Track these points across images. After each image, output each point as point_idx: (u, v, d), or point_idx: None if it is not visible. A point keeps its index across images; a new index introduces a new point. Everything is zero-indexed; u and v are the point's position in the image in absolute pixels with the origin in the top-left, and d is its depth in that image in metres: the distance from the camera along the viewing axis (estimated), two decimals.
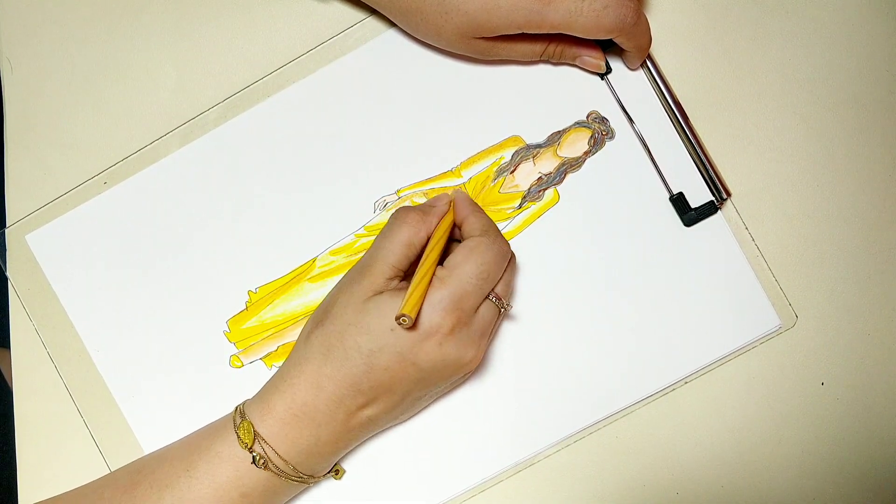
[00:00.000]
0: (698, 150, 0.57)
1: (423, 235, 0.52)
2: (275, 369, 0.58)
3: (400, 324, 0.47)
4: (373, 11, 0.59)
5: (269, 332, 0.59)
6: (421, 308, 0.49)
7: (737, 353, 0.58)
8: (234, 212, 0.59)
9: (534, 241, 0.58)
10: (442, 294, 0.49)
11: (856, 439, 0.58)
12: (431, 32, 0.54)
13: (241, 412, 0.53)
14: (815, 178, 0.58)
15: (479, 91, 0.59)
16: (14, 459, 0.59)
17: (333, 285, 0.58)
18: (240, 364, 0.59)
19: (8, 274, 0.60)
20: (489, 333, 0.53)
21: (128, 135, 0.60)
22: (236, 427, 0.52)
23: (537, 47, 0.56)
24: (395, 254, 0.51)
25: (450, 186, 0.59)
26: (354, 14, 0.60)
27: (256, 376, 0.58)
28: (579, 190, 0.58)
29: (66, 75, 0.60)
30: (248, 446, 0.51)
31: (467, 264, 0.50)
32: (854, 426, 0.58)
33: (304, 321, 0.58)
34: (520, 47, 0.56)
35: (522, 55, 0.57)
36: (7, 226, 0.60)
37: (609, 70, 0.57)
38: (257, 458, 0.51)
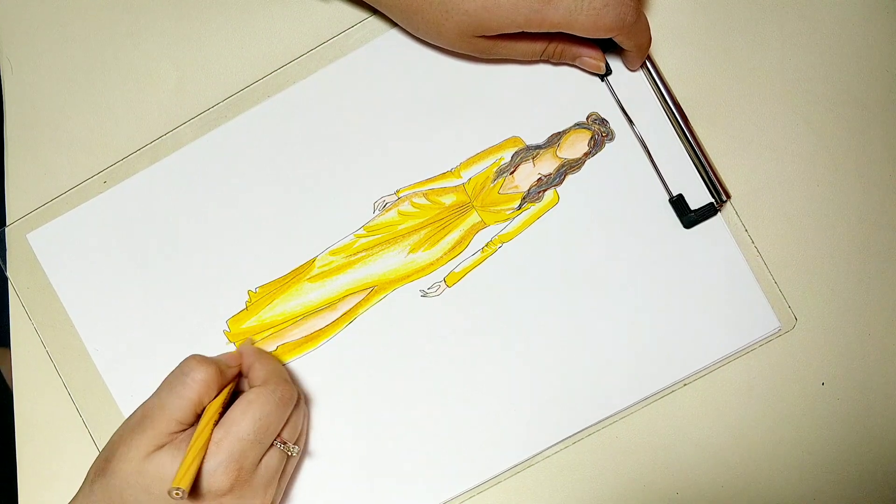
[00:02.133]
0: (698, 152, 0.57)
1: (213, 394, 0.51)
2: None
3: (175, 497, 0.46)
4: (374, 11, 0.58)
5: (269, 332, 0.59)
6: (199, 474, 0.48)
7: (737, 355, 0.58)
8: (234, 211, 0.59)
9: (533, 242, 0.58)
10: (219, 458, 0.49)
11: (856, 439, 0.58)
12: (432, 31, 0.54)
13: None
14: (814, 179, 0.58)
15: (479, 92, 0.59)
16: (14, 459, 0.59)
17: (332, 283, 0.59)
18: None
19: (8, 273, 0.60)
20: (277, 479, 0.52)
21: (128, 134, 0.60)
22: None
23: (537, 47, 0.56)
24: (182, 410, 0.50)
25: (449, 187, 0.59)
26: (355, 14, 0.60)
27: None
28: (579, 191, 0.58)
29: (66, 75, 0.60)
30: None
31: (244, 420, 0.50)
32: (854, 426, 0.58)
33: (304, 321, 0.59)
34: (520, 47, 0.56)
35: (523, 55, 0.56)
36: (7, 224, 0.60)
37: (609, 71, 0.57)
38: None
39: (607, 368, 0.58)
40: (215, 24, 0.60)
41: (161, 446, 0.50)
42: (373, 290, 0.59)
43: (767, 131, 0.58)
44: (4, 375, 0.85)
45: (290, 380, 0.54)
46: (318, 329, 0.59)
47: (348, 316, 0.59)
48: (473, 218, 0.59)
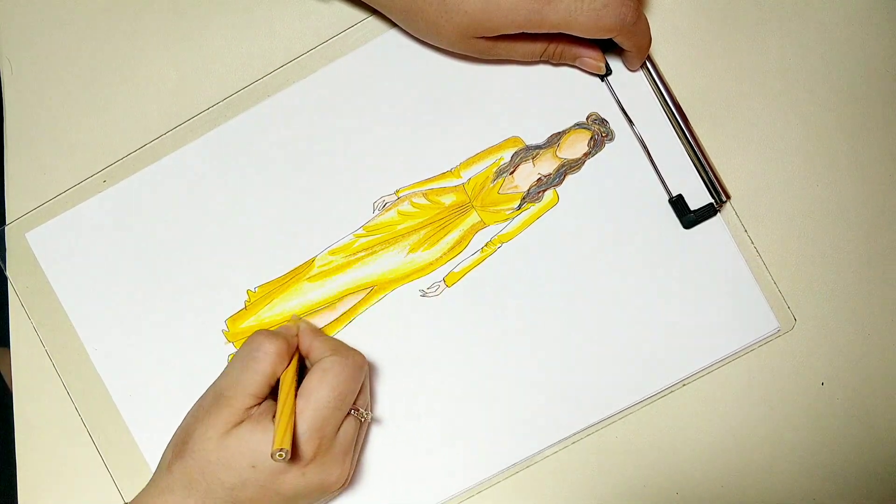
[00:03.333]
0: (698, 153, 0.57)
1: (284, 366, 0.52)
2: None
3: (278, 459, 0.46)
4: (373, 11, 0.58)
5: None
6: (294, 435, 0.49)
7: (736, 355, 0.58)
8: (233, 211, 0.59)
9: (533, 242, 0.58)
10: (301, 428, 0.49)
11: (856, 439, 0.58)
12: (432, 32, 0.54)
13: None
14: (814, 180, 0.58)
15: (479, 92, 0.59)
16: (14, 459, 0.59)
17: (331, 283, 0.58)
18: None
19: (7, 272, 0.60)
20: (353, 448, 0.53)
21: (127, 134, 0.60)
22: None
23: (537, 47, 0.56)
24: (257, 384, 0.51)
25: (449, 186, 0.59)
26: (355, 14, 0.60)
27: None
28: (579, 191, 0.58)
29: (66, 75, 0.60)
30: None
31: (322, 389, 0.50)
32: (854, 426, 0.58)
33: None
34: (520, 47, 0.56)
35: (523, 55, 0.56)
36: (7, 223, 0.60)
37: (609, 71, 0.57)
38: None
39: (607, 368, 0.58)
40: (215, 24, 0.60)
41: (239, 422, 0.50)
42: (372, 290, 0.59)
43: (767, 131, 0.58)
44: (4, 375, 0.85)
45: None
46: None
47: (348, 316, 0.59)
48: (473, 218, 0.59)
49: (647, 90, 0.58)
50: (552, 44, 0.56)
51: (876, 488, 0.58)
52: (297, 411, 0.50)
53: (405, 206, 0.59)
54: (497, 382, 0.58)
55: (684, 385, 0.58)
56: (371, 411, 0.55)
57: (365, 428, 0.56)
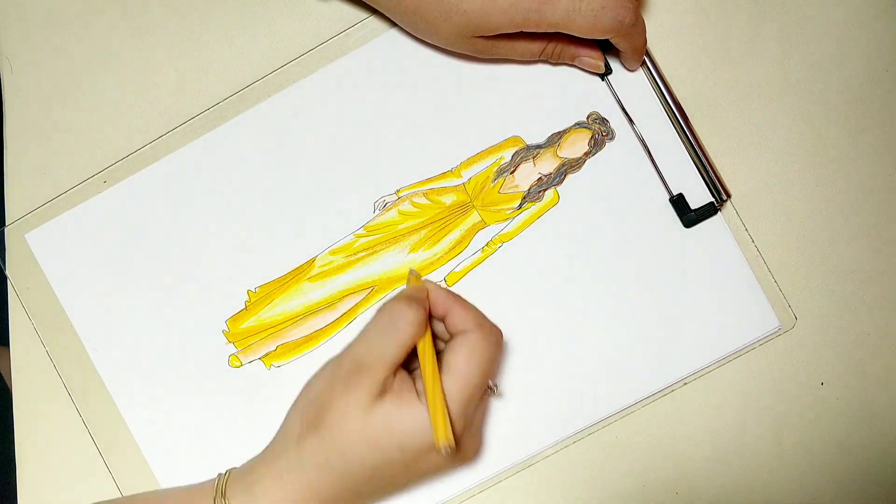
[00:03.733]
0: (698, 152, 0.57)
1: (423, 333, 0.49)
2: (274, 369, 0.58)
3: (445, 453, 0.45)
4: (373, 11, 0.58)
5: (268, 332, 0.59)
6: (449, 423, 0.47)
7: (736, 354, 0.58)
8: (234, 211, 0.59)
9: (533, 241, 0.58)
10: (451, 410, 0.48)
11: (856, 439, 0.58)
12: (431, 31, 0.55)
13: (223, 494, 0.50)
14: (814, 179, 0.58)
15: (479, 91, 0.59)
16: (14, 459, 0.59)
17: (332, 283, 0.58)
18: (239, 364, 0.59)
19: (7, 272, 0.60)
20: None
21: (128, 134, 0.60)
22: None
23: (536, 46, 0.56)
24: (398, 355, 0.48)
25: (450, 186, 0.59)
26: (355, 14, 0.60)
27: (255, 376, 0.58)
28: (579, 191, 0.58)
29: (66, 75, 0.60)
30: None
31: (471, 368, 0.48)
32: (854, 426, 0.58)
33: (303, 321, 0.59)
34: (519, 46, 0.56)
35: (522, 54, 0.57)
36: (6, 224, 0.60)
37: (609, 70, 0.57)
38: None
39: (607, 368, 0.58)
40: (215, 24, 0.60)
41: (380, 395, 0.48)
42: (373, 290, 0.59)
43: (767, 131, 0.58)
44: (4, 375, 0.85)
45: None
46: (317, 329, 0.59)
47: (348, 316, 0.59)
48: (474, 217, 0.59)
49: (648, 89, 0.58)
50: (551, 43, 0.56)
51: (876, 488, 0.58)
52: (445, 391, 0.48)
53: (406, 206, 0.59)
54: (496, 382, 0.58)
55: (685, 384, 0.58)
56: (498, 385, 0.53)
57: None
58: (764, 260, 0.58)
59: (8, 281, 0.60)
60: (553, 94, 0.58)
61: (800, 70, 0.59)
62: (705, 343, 0.57)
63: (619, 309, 0.58)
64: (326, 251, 0.59)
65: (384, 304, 0.50)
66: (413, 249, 0.59)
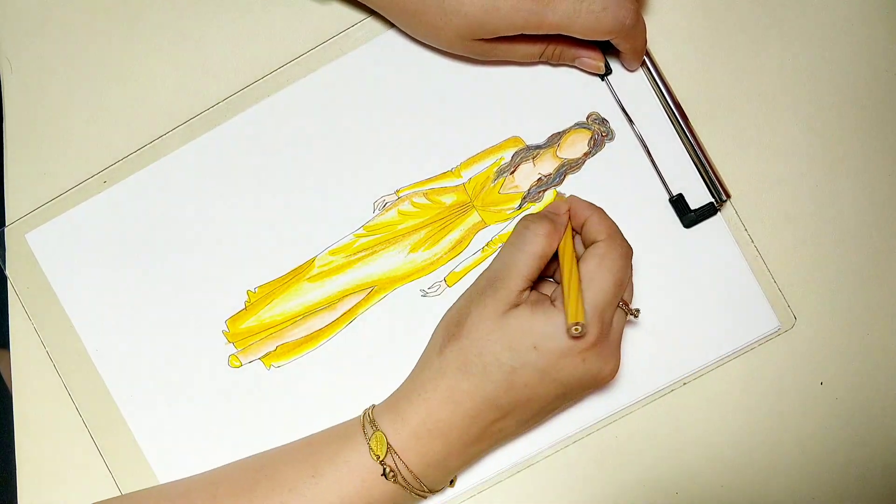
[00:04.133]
0: (698, 152, 0.57)
1: (555, 246, 0.51)
2: (273, 369, 0.58)
3: (574, 333, 0.46)
4: (373, 12, 0.58)
5: (268, 332, 0.59)
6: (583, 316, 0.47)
7: (736, 354, 0.58)
8: (234, 211, 0.59)
9: None
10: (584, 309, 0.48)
11: (855, 439, 0.58)
12: (431, 34, 0.55)
13: (371, 421, 0.52)
14: (814, 179, 0.58)
15: (479, 92, 0.59)
16: (14, 459, 0.59)
17: (331, 283, 0.58)
18: (238, 364, 0.59)
19: (7, 273, 0.60)
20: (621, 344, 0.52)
21: (128, 134, 0.60)
22: (368, 437, 0.51)
23: (536, 48, 0.56)
24: (530, 266, 0.50)
25: (449, 187, 0.59)
26: (354, 14, 0.59)
27: (255, 376, 0.58)
28: (579, 191, 0.58)
29: (66, 75, 0.60)
30: (381, 459, 0.50)
31: (602, 272, 0.49)
32: (854, 426, 0.58)
33: (303, 321, 0.59)
34: (519, 48, 0.56)
35: (522, 56, 0.57)
36: (6, 224, 0.60)
37: (609, 71, 0.57)
38: (388, 470, 0.50)
39: None
40: (215, 24, 0.60)
41: (515, 305, 0.49)
42: (373, 290, 0.59)
43: (767, 131, 0.58)
44: (4, 376, 0.85)
45: None
46: (317, 329, 0.59)
47: (348, 316, 0.59)
48: (474, 218, 0.59)
49: (648, 90, 0.58)
50: (551, 45, 0.56)
51: (875, 488, 0.58)
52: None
53: (406, 206, 0.59)
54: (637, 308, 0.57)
55: (684, 384, 0.58)
56: (638, 309, 0.53)
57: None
58: (763, 260, 0.58)
59: (8, 281, 0.60)
60: (553, 94, 0.58)
61: (800, 70, 0.59)
62: (705, 343, 0.57)
63: None
64: (326, 251, 0.59)
65: (519, 220, 0.52)
66: (413, 249, 0.59)
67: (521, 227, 0.51)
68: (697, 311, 0.57)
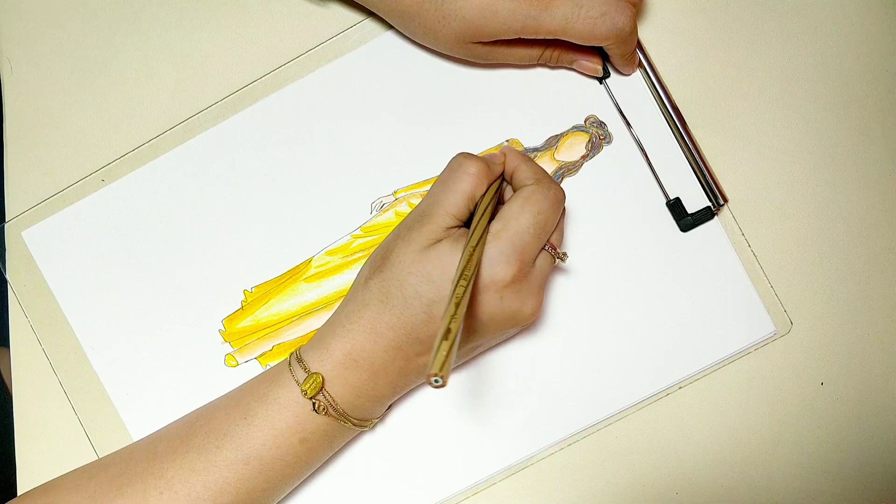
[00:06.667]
0: (696, 156, 0.57)
1: (484, 188, 0.51)
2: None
3: (433, 384, 0.43)
4: (371, 13, 0.58)
5: (265, 332, 0.59)
6: (480, 264, 0.48)
7: (732, 358, 0.58)
8: (231, 211, 0.59)
9: None
10: (500, 247, 0.49)
11: (855, 439, 0.58)
12: (429, 37, 0.54)
13: (297, 357, 0.52)
14: (812, 183, 0.58)
15: (476, 94, 0.58)
16: (13, 459, 0.59)
17: (328, 284, 0.59)
18: (235, 363, 0.59)
19: (6, 272, 0.60)
20: (545, 283, 0.52)
21: (127, 133, 0.60)
22: (294, 373, 0.52)
23: (534, 52, 0.56)
24: (457, 204, 0.50)
25: None
26: (353, 15, 0.59)
27: (252, 375, 0.58)
28: (576, 194, 0.58)
29: (66, 75, 0.61)
30: (311, 395, 0.50)
31: (523, 214, 0.49)
32: (853, 426, 0.58)
33: (300, 321, 0.59)
34: (517, 52, 0.56)
35: (520, 59, 0.56)
36: (6, 221, 0.60)
37: (607, 74, 0.57)
38: (317, 404, 0.51)
39: (605, 370, 0.58)
40: (215, 23, 0.60)
41: (439, 240, 0.50)
42: None
43: (766, 134, 0.58)
44: (4, 375, 0.85)
45: None
46: (314, 329, 0.59)
47: None
48: None
49: (646, 93, 0.57)
50: (549, 48, 0.56)
51: (875, 488, 0.58)
52: (493, 232, 0.49)
53: (403, 207, 0.59)
54: (497, 382, 0.58)
55: (680, 388, 0.58)
56: (566, 254, 0.54)
57: (553, 271, 0.55)
58: (760, 264, 0.57)
59: (7, 281, 0.60)
60: (551, 97, 0.58)
61: (798, 73, 0.58)
62: (700, 348, 0.57)
63: (615, 312, 0.58)
64: (323, 252, 0.59)
65: (453, 158, 0.52)
66: None
67: (455, 164, 0.51)
68: (694, 314, 0.57)
